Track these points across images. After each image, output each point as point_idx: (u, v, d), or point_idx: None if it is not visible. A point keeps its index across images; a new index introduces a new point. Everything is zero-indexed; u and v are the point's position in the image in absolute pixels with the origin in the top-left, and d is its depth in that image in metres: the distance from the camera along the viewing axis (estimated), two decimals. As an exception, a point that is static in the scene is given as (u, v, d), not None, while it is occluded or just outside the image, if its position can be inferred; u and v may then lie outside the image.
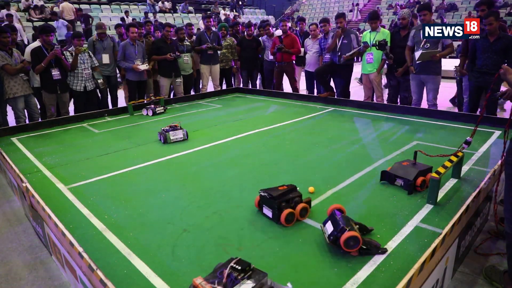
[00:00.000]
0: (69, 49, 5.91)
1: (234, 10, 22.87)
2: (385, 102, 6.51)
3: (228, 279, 1.70)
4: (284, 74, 7.68)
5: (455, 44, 7.15)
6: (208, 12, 19.98)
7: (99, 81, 6.24)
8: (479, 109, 5.25)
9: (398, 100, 6.43)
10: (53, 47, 5.59)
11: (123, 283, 2.04)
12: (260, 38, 8.06)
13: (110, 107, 6.89)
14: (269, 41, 7.65)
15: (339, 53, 6.38)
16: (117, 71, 6.91)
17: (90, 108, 6.34)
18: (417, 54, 5.47)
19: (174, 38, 7.26)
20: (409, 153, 3.91)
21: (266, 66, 7.99)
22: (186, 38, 7.43)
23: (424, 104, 5.85)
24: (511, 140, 2.24)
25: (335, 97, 6.84)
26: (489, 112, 5.00)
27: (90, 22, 14.54)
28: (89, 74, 6.04)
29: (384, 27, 6.48)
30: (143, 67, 6.46)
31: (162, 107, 6.43)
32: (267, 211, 2.65)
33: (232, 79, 8.72)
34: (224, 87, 8.61)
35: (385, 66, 6.23)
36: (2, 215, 3.52)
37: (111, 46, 6.59)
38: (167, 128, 4.72)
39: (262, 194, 2.66)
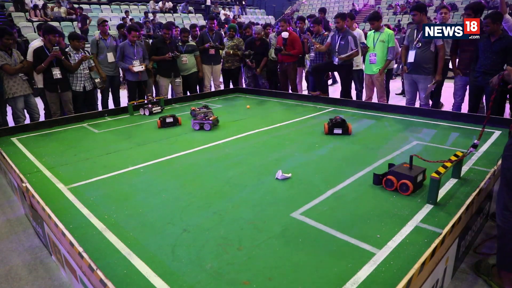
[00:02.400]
0: (66, 49, 5.91)
1: (241, 9, 22.85)
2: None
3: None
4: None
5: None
6: (210, 14, 19.99)
7: (96, 80, 6.25)
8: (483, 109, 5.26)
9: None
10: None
11: (123, 283, 2.04)
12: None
13: (111, 106, 6.89)
14: (276, 39, 7.57)
15: (337, 54, 6.37)
16: (120, 71, 6.93)
17: (89, 108, 6.35)
18: (412, 53, 5.56)
19: (179, 38, 7.26)
20: (409, 153, 3.90)
21: (269, 66, 7.94)
22: (190, 39, 7.38)
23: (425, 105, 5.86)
24: (510, 136, 2.25)
25: (328, 96, 6.83)
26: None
27: (87, 22, 14.51)
28: (87, 74, 6.05)
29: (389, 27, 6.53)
30: (137, 68, 6.45)
31: (160, 107, 6.42)
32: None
33: (244, 79, 8.65)
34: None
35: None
36: (2, 215, 3.52)
37: (113, 45, 6.61)
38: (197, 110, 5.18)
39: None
